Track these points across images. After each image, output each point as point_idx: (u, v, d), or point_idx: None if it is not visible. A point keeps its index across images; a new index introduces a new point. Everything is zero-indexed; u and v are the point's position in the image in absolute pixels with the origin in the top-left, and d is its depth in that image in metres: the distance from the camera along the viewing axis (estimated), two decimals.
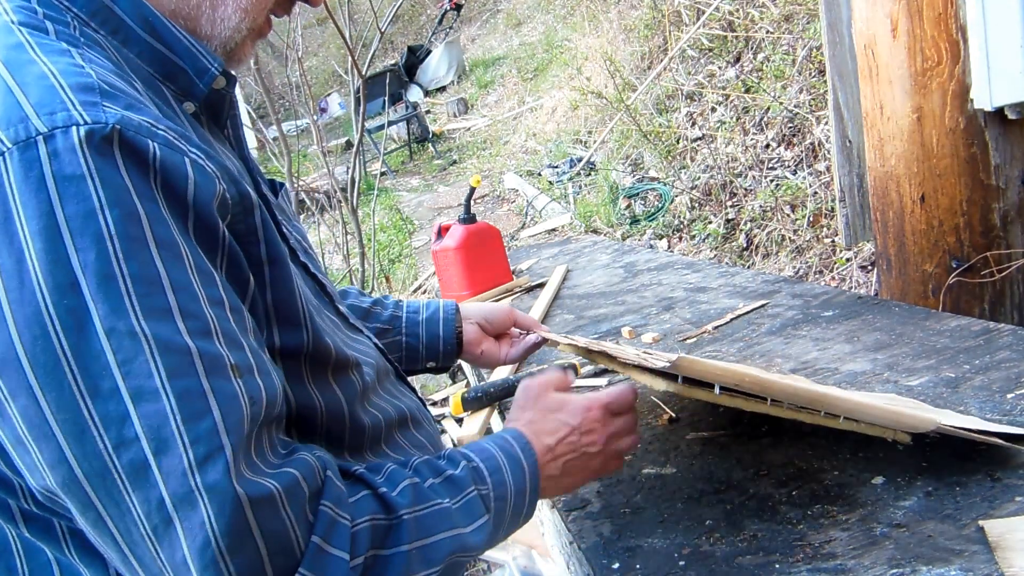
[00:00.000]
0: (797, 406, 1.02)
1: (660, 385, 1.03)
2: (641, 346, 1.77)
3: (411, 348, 1.30)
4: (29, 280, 0.62)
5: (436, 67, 12.50)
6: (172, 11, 0.81)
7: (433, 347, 1.31)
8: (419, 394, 1.12)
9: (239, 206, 0.75)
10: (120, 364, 0.63)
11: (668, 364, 0.94)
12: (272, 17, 0.89)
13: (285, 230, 0.89)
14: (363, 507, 0.76)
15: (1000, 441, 1.02)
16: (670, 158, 5.57)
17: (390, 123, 9.73)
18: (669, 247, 5.05)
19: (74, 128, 0.64)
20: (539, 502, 0.94)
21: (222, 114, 0.89)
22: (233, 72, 0.89)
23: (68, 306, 0.63)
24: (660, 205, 5.39)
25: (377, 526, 0.75)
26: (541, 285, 2.58)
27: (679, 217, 5.19)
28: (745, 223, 4.56)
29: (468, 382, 2.48)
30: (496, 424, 1.62)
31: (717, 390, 1.00)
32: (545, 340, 1.37)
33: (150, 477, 0.64)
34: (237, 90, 0.91)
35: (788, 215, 4.30)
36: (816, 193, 4.20)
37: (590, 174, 6.50)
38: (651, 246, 4.97)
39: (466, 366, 2.18)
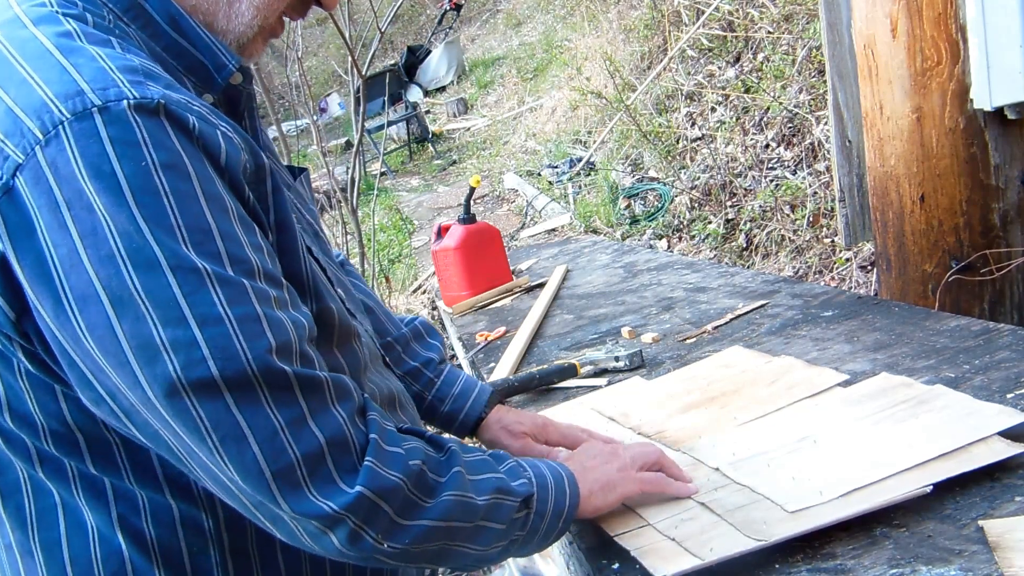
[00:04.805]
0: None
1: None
2: (641, 346, 1.76)
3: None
4: (101, 228, 0.72)
5: (436, 67, 12.50)
6: (192, 6, 0.88)
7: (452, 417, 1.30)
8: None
9: (254, 175, 0.84)
10: (186, 295, 0.73)
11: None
12: (285, 19, 0.95)
13: (295, 210, 0.94)
14: (411, 438, 0.87)
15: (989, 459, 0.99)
16: (670, 158, 5.57)
17: (390, 123, 9.72)
18: (669, 247, 5.05)
19: (125, 101, 0.73)
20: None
21: (239, 105, 0.95)
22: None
23: (137, 247, 0.72)
24: (660, 205, 5.40)
25: (427, 452, 0.86)
26: (541, 285, 2.58)
27: (679, 217, 5.19)
28: (745, 223, 4.56)
29: None
30: None
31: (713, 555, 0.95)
32: None
33: (216, 394, 0.73)
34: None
35: (788, 215, 4.30)
36: (816, 193, 4.20)
37: (590, 174, 6.50)
38: (651, 246, 4.97)
39: (465, 365, 2.18)
